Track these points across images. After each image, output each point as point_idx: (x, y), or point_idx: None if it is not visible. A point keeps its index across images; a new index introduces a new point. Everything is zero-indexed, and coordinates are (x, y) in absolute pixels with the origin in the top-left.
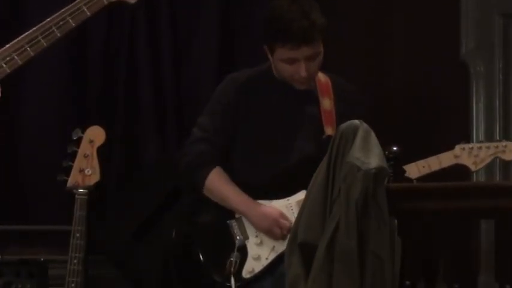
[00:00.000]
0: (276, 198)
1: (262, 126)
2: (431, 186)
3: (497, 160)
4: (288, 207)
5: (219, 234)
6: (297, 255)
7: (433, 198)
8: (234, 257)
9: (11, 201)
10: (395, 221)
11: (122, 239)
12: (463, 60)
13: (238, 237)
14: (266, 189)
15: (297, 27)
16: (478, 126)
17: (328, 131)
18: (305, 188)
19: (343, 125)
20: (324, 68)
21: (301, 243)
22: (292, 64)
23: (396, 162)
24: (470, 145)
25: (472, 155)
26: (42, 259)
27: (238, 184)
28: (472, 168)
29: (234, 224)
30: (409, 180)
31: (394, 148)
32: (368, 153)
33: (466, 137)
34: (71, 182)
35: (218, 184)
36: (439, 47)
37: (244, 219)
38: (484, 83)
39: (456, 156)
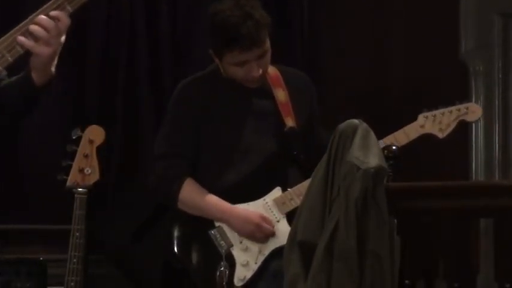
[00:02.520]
0: (251, 200)
1: (222, 129)
2: (430, 185)
3: (497, 160)
4: (265, 206)
5: (202, 246)
6: (296, 254)
7: (432, 198)
8: (223, 267)
9: (10, 200)
10: (395, 220)
11: (121, 238)
12: (463, 59)
13: (222, 246)
14: (238, 192)
15: (244, 31)
16: (477, 126)
17: (289, 122)
18: (277, 184)
19: (342, 124)
20: (323, 69)
21: (301, 242)
22: (243, 66)
23: (395, 162)
24: (433, 112)
25: (436, 122)
26: (41, 258)
27: (210, 192)
28: (439, 135)
29: (215, 233)
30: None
31: (393, 147)
32: (367, 153)
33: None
34: (70, 181)
35: (193, 195)
36: (439, 47)
37: (225, 227)
38: (483, 82)
39: (421, 126)
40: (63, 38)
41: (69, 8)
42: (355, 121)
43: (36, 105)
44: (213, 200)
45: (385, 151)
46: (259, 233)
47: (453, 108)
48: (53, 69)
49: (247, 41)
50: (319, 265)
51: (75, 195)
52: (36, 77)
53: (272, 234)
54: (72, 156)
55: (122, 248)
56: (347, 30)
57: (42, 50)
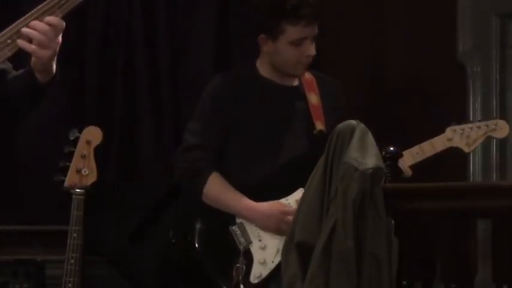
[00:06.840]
0: (274, 199)
1: (254, 126)
2: (428, 186)
3: (494, 160)
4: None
5: (221, 241)
6: (294, 254)
7: (430, 199)
8: (240, 263)
9: (8, 201)
10: (392, 221)
11: (119, 239)
12: (460, 60)
13: (242, 243)
14: (263, 190)
15: (309, 3)
16: None
17: (319, 125)
18: (302, 185)
19: (340, 125)
20: (321, 68)
21: (298, 242)
22: (299, 46)
23: (393, 163)
24: (461, 126)
25: (464, 136)
26: (39, 259)
27: (234, 187)
28: (466, 149)
29: (236, 229)
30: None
31: (391, 148)
32: (365, 154)
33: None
34: (68, 182)
35: (217, 190)
36: (436, 47)
37: (245, 224)
38: (480, 83)
39: (449, 139)
40: (59, 39)
41: (59, 13)
42: (353, 122)
43: (41, 101)
44: (237, 196)
45: (383, 152)
46: (284, 225)
47: (482, 123)
48: (53, 68)
49: (309, 13)
50: (317, 266)
51: (73, 196)
52: (39, 76)
53: None
54: (69, 157)
55: (120, 248)
56: (343, 31)
57: (43, 53)
